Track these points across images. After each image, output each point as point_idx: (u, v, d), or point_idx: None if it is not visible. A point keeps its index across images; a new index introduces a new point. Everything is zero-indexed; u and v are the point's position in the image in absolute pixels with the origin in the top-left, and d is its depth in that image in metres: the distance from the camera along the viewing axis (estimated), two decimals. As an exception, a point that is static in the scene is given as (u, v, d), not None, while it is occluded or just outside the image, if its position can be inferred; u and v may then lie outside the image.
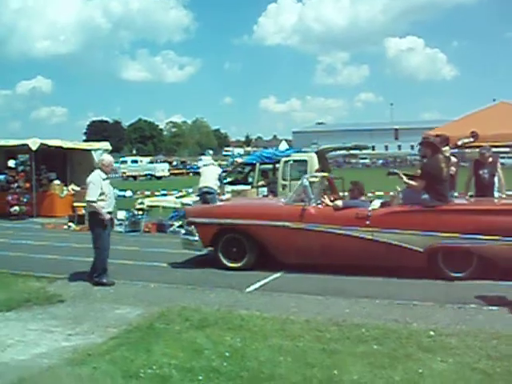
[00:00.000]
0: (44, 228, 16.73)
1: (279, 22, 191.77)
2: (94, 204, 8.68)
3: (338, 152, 19.08)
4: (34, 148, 17.73)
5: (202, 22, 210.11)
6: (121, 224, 14.81)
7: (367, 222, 8.59)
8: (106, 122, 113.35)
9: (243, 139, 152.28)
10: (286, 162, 16.47)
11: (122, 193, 16.59)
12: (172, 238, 13.63)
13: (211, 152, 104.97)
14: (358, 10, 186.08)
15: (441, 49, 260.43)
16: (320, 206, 9.20)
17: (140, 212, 15.16)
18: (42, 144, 17.95)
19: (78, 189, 18.96)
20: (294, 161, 16.66)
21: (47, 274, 9.41)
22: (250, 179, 18.40)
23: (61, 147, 18.99)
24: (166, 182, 42.60)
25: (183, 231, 11.01)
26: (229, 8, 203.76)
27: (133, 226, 14.91)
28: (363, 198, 9.51)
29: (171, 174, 55.03)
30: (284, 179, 16.34)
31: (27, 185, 19.10)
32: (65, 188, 19.25)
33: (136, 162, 58.40)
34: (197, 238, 9.81)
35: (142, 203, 15.37)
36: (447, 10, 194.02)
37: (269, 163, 17.75)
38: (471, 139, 11.16)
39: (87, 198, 8.78)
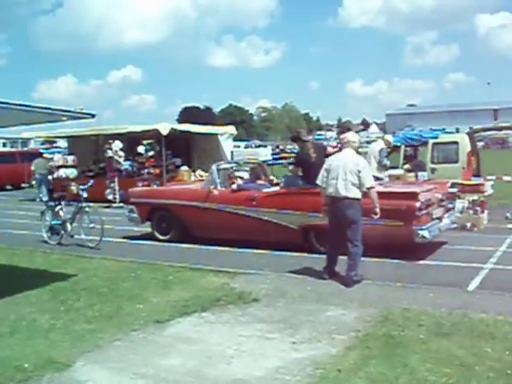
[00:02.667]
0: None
1: (364, 3, 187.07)
2: (374, 190, 7.59)
3: (488, 132, 17.41)
4: (164, 133, 17.19)
5: (286, 6, 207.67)
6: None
7: (254, 203, 9.90)
8: (198, 108, 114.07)
9: (331, 122, 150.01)
10: (435, 144, 15.16)
11: None
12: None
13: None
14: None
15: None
16: (224, 188, 10.60)
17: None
18: (172, 129, 17.40)
19: (205, 174, 18.37)
20: (444, 143, 15.34)
21: (224, 269, 8.58)
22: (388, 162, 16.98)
23: (189, 132, 18.40)
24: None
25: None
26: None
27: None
28: (261, 181, 10.91)
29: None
30: (433, 162, 15.06)
31: (157, 171, 18.66)
32: (192, 174, 18.68)
33: (238, 146, 57.76)
34: (136, 215, 11.60)
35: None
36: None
37: (413, 145, 16.41)
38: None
39: (369, 185, 7.53)
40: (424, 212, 8.65)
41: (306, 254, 9.46)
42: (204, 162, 18.88)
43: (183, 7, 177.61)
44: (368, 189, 7.49)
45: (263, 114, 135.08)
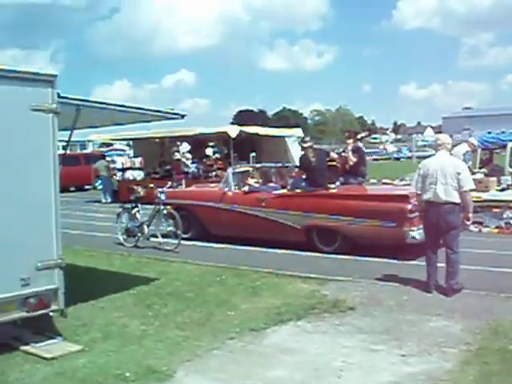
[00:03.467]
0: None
1: (419, 5, 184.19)
2: (470, 193, 7.22)
3: None
4: (233, 135, 16.99)
5: (339, 9, 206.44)
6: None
7: (263, 204, 10.50)
8: (252, 111, 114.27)
9: (385, 126, 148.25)
10: None
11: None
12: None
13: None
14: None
15: None
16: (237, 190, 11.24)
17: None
18: (240, 131, 17.18)
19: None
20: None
21: (312, 275, 8.25)
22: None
23: (257, 134, 18.16)
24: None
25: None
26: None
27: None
28: (272, 183, 11.57)
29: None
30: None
31: (224, 173, 18.45)
32: (259, 177, 18.38)
33: (296, 150, 57.43)
34: None
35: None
36: None
37: (489, 149, 15.72)
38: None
39: (470, 187, 7.14)
40: (416, 214, 8.63)
41: (390, 261, 9.07)
42: (272, 165, 18.51)
43: (236, 11, 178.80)
44: (465, 192, 7.03)
45: (317, 118, 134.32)
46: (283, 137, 18.77)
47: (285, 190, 10.87)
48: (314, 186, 10.29)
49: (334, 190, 10.44)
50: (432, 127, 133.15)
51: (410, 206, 8.84)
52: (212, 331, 6.02)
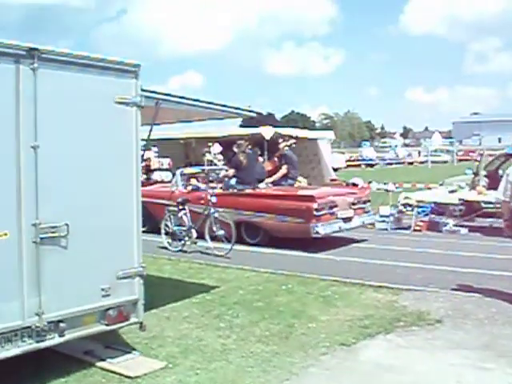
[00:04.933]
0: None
1: (426, 10, 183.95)
2: None
3: None
4: (267, 137, 16.46)
5: (347, 13, 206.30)
6: (383, 221, 13.08)
7: (202, 202, 10.83)
8: (260, 114, 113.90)
9: (393, 130, 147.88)
10: None
11: (383, 186, 14.90)
12: (460, 239, 11.87)
13: (368, 143, 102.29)
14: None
15: None
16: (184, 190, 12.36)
17: (409, 208, 13.36)
18: (275, 133, 16.68)
19: (304, 181, 17.62)
20: None
21: (384, 284, 7.80)
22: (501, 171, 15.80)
23: (290, 136, 17.65)
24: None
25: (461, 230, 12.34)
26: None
27: (397, 224, 13.13)
28: (213, 184, 12.38)
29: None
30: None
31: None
32: (290, 181, 17.91)
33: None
34: None
35: (407, 198, 13.52)
36: None
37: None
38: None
39: None
40: (323, 212, 10.34)
41: (461, 269, 8.62)
42: (302, 168, 18.09)
43: (245, 14, 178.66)
44: None
45: (325, 121, 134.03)
46: (316, 139, 18.22)
47: (220, 190, 11.87)
48: (243, 185, 11.72)
49: (262, 190, 11.85)
50: (440, 132, 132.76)
51: (315, 205, 10.25)
52: (300, 345, 5.57)
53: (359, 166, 53.96)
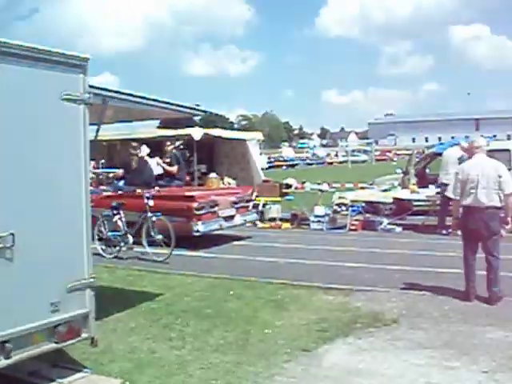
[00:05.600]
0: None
1: (341, 13, 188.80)
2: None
3: None
4: (197, 138, 16.11)
5: (263, 15, 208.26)
6: (319, 221, 13.07)
7: (92, 204, 9.93)
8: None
9: (310, 131, 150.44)
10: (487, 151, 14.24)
11: (317, 186, 14.81)
12: (396, 237, 12.00)
13: (286, 144, 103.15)
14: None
15: (508, 36, 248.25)
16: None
17: (343, 207, 13.40)
18: (204, 133, 16.38)
19: (233, 182, 17.43)
20: (495, 150, 14.50)
21: (334, 285, 7.71)
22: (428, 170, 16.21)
23: (220, 137, 17.42)
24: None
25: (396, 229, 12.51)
26: (290, 1, 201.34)
27: (332, 224, 13.15)
28: (103, 187, 13.00)
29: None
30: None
31: (187, 178, 17.59)
32: (220, 181, 17.65)
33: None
34: None
35: (341, 197, 13.56)
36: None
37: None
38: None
39: (511, 190, 6.74)
40: (204, 211, 10.86)
41: (405, 268, 8.64)
42: (230, 169, 17.91)
43: (160, 15, 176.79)
44: (507, 195, 6.65)
45: (243, 123, 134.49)
46: (245, 140, 18.05)
47: (109, 192, 12.32)
48: (130, 184, 12.08)
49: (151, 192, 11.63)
50: (356, 133, 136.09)
51: (196, 205, 10.73)
52: (260, 353, 5.34)
53: (280, 166, 54.28)
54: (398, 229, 12.71)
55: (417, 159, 15.51)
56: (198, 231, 10.64)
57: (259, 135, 18.70)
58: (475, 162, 6.90)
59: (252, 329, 6.05)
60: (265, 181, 16.46)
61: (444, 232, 11.88)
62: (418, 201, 13.13)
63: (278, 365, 5.05)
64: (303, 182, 15.69)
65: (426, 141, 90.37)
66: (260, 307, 6.84)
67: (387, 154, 71.44)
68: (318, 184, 14.68)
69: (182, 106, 5.93)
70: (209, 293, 7.56)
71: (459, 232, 10.95)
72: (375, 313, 6.47)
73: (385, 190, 13.46)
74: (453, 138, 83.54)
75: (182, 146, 17.80)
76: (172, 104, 5.76)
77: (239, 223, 12.06)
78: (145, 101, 5.43)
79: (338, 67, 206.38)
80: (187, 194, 11.68)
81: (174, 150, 16.92)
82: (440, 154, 14.84)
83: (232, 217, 11.74)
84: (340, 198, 13.61)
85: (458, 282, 7.26)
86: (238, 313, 6.64)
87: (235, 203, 11.91)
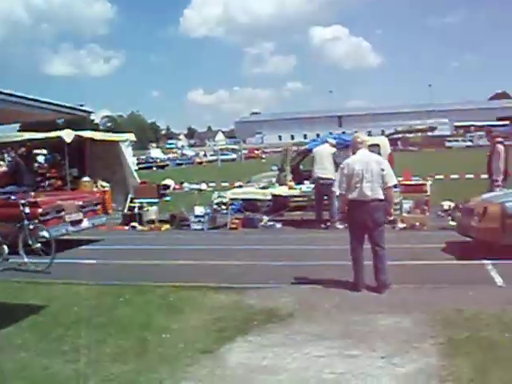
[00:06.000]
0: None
1: (205, 14, 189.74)
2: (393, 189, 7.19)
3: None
4: (68, 140, 15.49)
5: (126, 14, 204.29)
6: (199, 221, 13.01)
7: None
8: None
9: (177, 131, 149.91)
10: None
11: (196, 186, 14.67)
12: (277, 234, 12.22)
13: (154, 145, 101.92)
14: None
15: (365, 37, 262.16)
16: None
17: (223, 206, 13.42)
18: (76, 136, 15.77)
19: (107, 185, 16.98)
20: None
21: (223, 285, 7.70)
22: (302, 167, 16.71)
23: (92, 139, 16.84)
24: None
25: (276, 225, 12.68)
26: (154, 0, 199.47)
27: (212, 223, 13.14)
28: None
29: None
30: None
31: (59, 182, 16.83)
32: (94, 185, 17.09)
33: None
34: None
35: (221, 196, 13.57)
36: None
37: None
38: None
39: (394, 182, 7.14)
40: (49, 217, 10.48)
41: (295, 263, 8.91)
42: (103, 172, 17.43)
43: (16, 12, 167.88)
44: (389, 187, 6.99)
45: (109, 124, 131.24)
46: (117, 141, 17.60)
47: None
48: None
49: None
50: (223, 132, 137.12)
51: (40, 210, 10.27)
52: (161, 359, 5.21)
53: (150, 168, 53.51)
54: (279, 225, 12.95)
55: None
56: (43, 237, 9.95)
57: (132, 136, 18.31)
58: (359, 157, 7.16)
59: (148, 335, 5.87)
60: (142, 182, 16.16)
61: (322, 226, 12.26)
62: (296, 197, 13.43)
63: (182, 369, 4.95)
64: (181, 183, 15.57)
65: (292, 138, 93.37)
66: (153, 312, 6.66)
67: (255, 151, 72.94)
68: (197, 184, 14.59)
69: (63, 107, 5.61)
70: (97, 301, 7.25)
71: (338, 225, 11.52)
72: (270, 309, 6.52)
73: (263, 188, 13.65)
74: (318, 135, 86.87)
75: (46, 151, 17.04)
76: (53, 104, 5.43)
77: (87, 227, 11.77)
78: (23, 101, 5.06)
79: (204, 67, 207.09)
80: (32, 199, 10.98)
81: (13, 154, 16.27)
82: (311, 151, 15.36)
83: (79, 221, 11.49)
84: (219, 197, 13.63)
85: (344, 273, 7.54)
86: (132, 319, 6.42)
87: (82, 207, 11.69)
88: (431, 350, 5.08)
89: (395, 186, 7.23)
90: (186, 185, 15.11)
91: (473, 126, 72.22)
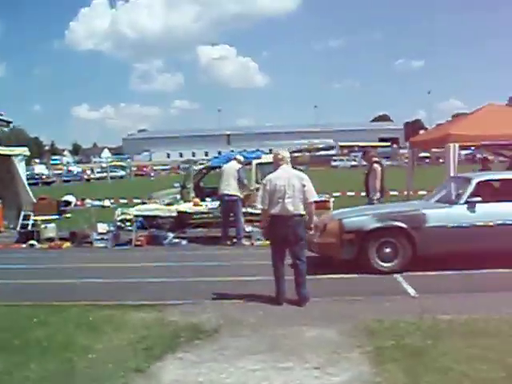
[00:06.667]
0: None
1: (92, 27, 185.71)
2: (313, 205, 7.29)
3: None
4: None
5: (7, 24, 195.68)
6: (102, 239, 12.67)
7: None
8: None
9: (61, 147, 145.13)
10: (258, 164, 14.77)
11: (98, 202, 14.19)
12: (185, 250, 12.15)
13: (37, 160, 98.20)
14: (171, 17, 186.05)
15: (252, 58, 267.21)
16: None
17: (128, 223, 13.12)
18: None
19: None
20: (266, 163, 15.49)
21: (143, 302, 7.56)
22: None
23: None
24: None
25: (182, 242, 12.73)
26: (37, 11, 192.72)
27: (116, 240, 12.83)
28: None
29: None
30: (257, 182, 14.93)
31: None
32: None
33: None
34: None
35: (125, 213, 13.26)
36: (258, 21, 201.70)
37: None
38: None
39: (315, 198, 7.28)
40: None
41: (209, 279, 8.93)
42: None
43: None
44: (310, 203, 7.19)
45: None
46: (9, 156, 16.79)
47: None
48: None
49: None
50: (109, 148, 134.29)
51: None
52: (92, 380, 5.03)
53: (36, 184, 51.31)
54: (184, 242, 12.86)
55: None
56: None
57: (25, 151, 17.55)
58: (281, 173, 7.29)
59: (73, 355, 5.61)
60: (41, 198, 15.45)
61: (228, 242, 12.33)
62: (201, 213, 13.42)
63: (118, 390, 4.79)
64: (83, 199, 15.09)
65: (181, 156, 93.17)
66: (73, 332, 6.39)
67: (144, 169, 72.09)
68: (99, 200, 14.20)
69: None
70: (8, 322, 6.85)
71: (244, 242, 11.63)
72: (194, 325, 6.46)
73: (168, 204, 13.51)
74: (206, 153, 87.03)
75: None
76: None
77: None
78: None
79: (90, 82, 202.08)
80: None
81: None
82: (215, 168, 15.45)
83: None
84: (123, 213, 13.32)
85: (262, 288, 7.66)
86: (51, 340, 6.11)
87: None
88: (361, 359, 5.25)
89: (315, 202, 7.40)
90: (88, 201, 14.63)
91: (357, 146, 75.63)
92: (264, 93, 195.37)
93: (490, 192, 9.41)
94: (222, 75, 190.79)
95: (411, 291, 7.73)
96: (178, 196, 14.43)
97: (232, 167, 12.51)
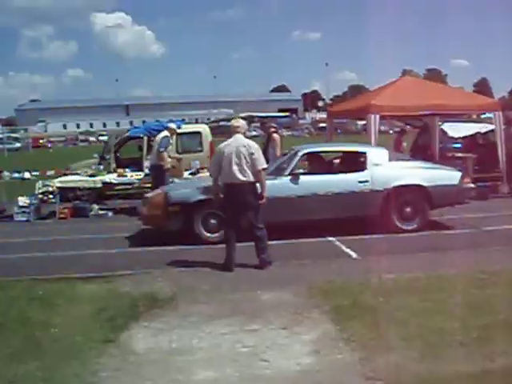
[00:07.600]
0: None
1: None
2: (264, 173, 7.41)
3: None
4: None
5: None
6: (24, 212, 12.22)
7: None
8: None
9: None
10: (179, 134, 14.32)
11: (17, 174, 13.50)
12: (113, 222, 11.96)
13: None
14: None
15: (148, 26, 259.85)
16: None
17: (50, 195, 12.67)
18: None
19: None
20: (187, 133, 15.51)
21: (90, 274, 7.46)
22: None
23: None
24: None
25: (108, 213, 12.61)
26: None
27: (37, 213, 12.41)
28: None
29: None
30: (178, 152, 14.81)
31: None
32: None
33: None
34: None
35: (46, 185, 12.80)
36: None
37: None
38: None
39: (263, 166, 7.37)
40: None
41: (150, 248, 8.97)
42: None
43: None
44: (259, 171, 7.32)
45: None
46: None
47: None
48: None
49: None
50: (1, 119, 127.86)
51: None
52: (65, 354, 4.92)
53: None
54: (110, 213, 12.66)
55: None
56: None
57: None
58: (231, 141, 7.39)
59: (34, 331, 5.50)
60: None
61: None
62: (124, 184, 13.22)
63: (93, 361, 4.76)
64: (0, 172, 14.41)
65: (78, 127, 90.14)
66: (26, 307, 6.18)
67: (40, 141, 69.18)
68: (19, 172, 13.63)
69: None
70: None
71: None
72: (149, 294, 6.43)
73: (92, 175, 13.19)
74: (104, 124, 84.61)
75: None
76: None
77: None
78: None
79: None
80: None
81: None
82: (133, 138, 15.25)
83: None
84: (45, 185, 12.86)
85: (211, 256, 7.75)
86: (6, 317, 5.92)
87: None
88: (322, 318, 5.50)
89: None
90: (6, 173, 13.98)
91: (257, 117, 76.09)
92: (161, 62, 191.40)
93: (318, 164, 9.84)
94: (118, 44, 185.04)
95: (352, 254, 8.10)
96: (101, 167, 14.09)
97: (159, 137, 12.35)
